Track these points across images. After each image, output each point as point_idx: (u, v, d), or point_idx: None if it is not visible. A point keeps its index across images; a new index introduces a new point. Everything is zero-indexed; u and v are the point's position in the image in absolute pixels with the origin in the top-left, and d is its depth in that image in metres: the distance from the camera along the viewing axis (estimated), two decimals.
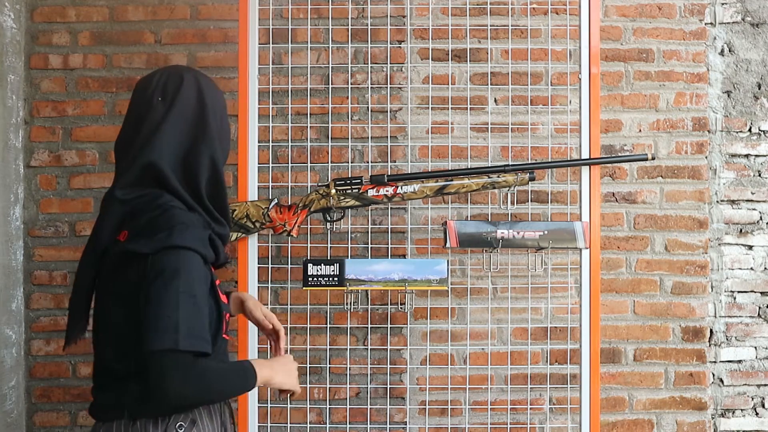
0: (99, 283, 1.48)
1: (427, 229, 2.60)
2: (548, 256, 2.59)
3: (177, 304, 1.33)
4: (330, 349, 2.62)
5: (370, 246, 2.60)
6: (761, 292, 2.74)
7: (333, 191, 2.19)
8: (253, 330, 2.19)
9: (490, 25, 2.64)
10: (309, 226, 2.51)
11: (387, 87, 2.67)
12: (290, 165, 2.56)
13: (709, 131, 2.74)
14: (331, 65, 2.65)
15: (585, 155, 2.21)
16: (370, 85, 2.67)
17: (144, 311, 1.34)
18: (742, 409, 2.74)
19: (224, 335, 1.51)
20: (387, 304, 2.64)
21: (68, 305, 1.54)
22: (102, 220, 1.47)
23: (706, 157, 2.73)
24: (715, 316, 2.73)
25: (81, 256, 1.49)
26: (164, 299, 1.34)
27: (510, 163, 2.31)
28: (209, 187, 1.50)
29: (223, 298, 1.53)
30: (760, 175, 2.76)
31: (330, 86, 2.64)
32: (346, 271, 2.20)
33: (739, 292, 2.74)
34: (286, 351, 1.71)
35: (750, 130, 2.76)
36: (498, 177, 2.22)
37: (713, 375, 2.73)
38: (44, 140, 2.69)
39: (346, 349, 2.61)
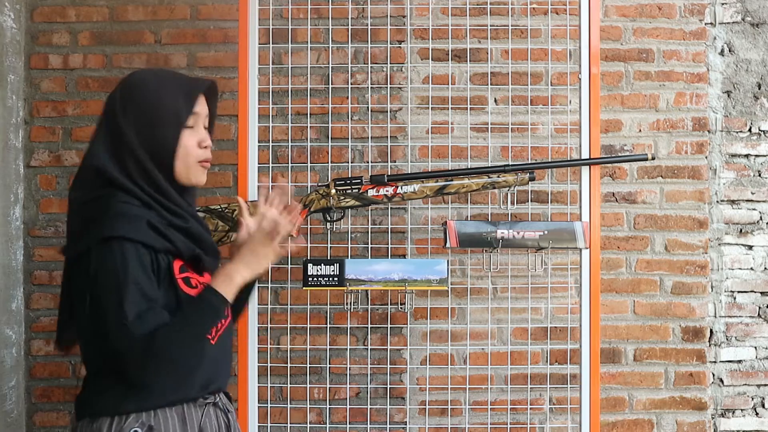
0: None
1: (427, 229, 2.59)
2: (548, 256, 2.59)
3: (121, 297, 1.33)
4: (330, 349, 2.62)
5: (370, 246, 2.60)
6: (761, 292, 2.74)
7: (333, 191, 2.19)
8: (253, 331, 2.19)
9: (490, 25, 2.64)
10: (309, 226, 2.51)
11: (387, 87, 2.67)
12: (290, 165, 2.56)
13: (709, 131, 2.74)
14: (331, 65, 2.65)
15: (585, 155, 2.21)
16: (370, 85, 2.67)
17: (96, 314, 1.36)
18: (742, 409, 2.74)
19: None
20: (387, 304, 2.64)
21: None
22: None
23: (706, 157, 2.73)
24: (715, 316, 2.73)
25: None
26: (109, 297, 1.34)
27: (510, 163, 2.31)
28: (149, 185, 1.45)
29: (190, 291, 1.45)
30: (760, 175, 2.76)
31: (330, 86, 2.64)
32: (346, 271, 2.20)
33: (739, 292, 2.74)
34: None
35: (750, 130, 2.76)
36: (498, 177, 2.22)
37: (713, 375, 2.73)
38: (44, 140, 2.69)
39: (346, 349, 2.61)
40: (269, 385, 2.50)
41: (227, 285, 1.44)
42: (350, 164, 2.64)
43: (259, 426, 2.25)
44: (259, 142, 2.26)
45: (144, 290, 1.36)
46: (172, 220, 1.46)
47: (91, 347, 1.43)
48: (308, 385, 2.57)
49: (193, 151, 1.49)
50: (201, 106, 1.52)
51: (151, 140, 1.46)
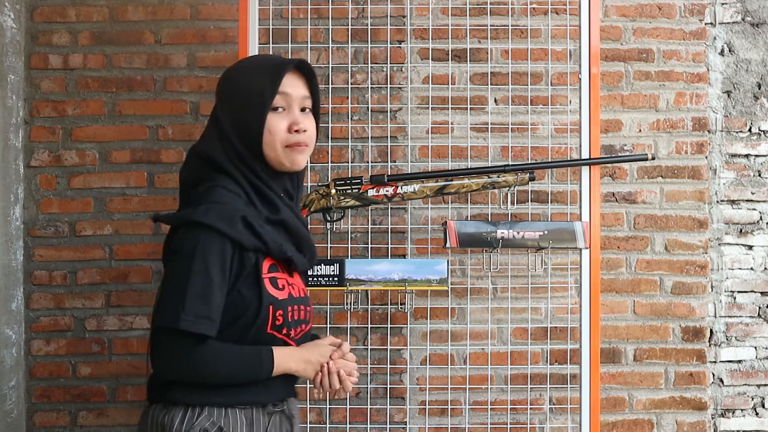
0: None
1: (427, 229, 2.60)
2: (548, 256, 2.59)
3: (187, 283, 1.34)
4: None
5: (370, 246, 2.60)
6: (761, 292, 2.74)
7: (333, 191, 2.19)
8: None
9: (490, 25, 2.64)
10: (309, 226, 2.51)
11: (387, 87, 2.67)
12: None
13: (709, 131, 2.74)
14: (331, 65, 2.65)
15: (585, 155, 2.21)
16: (370, 85, 2.67)
17: (161, 286, 1.39)
18: (742, 409, 2.74)
19: (270, 330, 1.44)
20: (387, 304, 2.64)
21: None
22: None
23: (706, 157, 2.73)
24: (715, 316, 2.73)
25: None
26: (176, 276, 1.36)
27: (510, 163, 2.31)
28: (246, 176, 1.46)
29: (277, 293, 1.44)
30: (760, 175, 2.76)
31: (330, 86, 2.64)
32: (346, 271, 2.20)
33: (739, 292, 2.74)
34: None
35: (750, 130, 2.76)
36: (498, 177, 2.22)
37: (713, 375, 2.73)
38: (44, 140, 2.69)
39: None
40: None
41: (283, 362, 1.44)
42: (350, 164, 2.64)
43: None
44: None
45: (212, 290, 1.36)
46: (269, 215, 1.46)
47: None
48: (308, 385, 2.57)
49: (278, 134, 1.47)
50: (292, 87, 1.49)
51: (240, 125, 1.46)
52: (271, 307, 1.43)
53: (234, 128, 1.46)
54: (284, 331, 1.46)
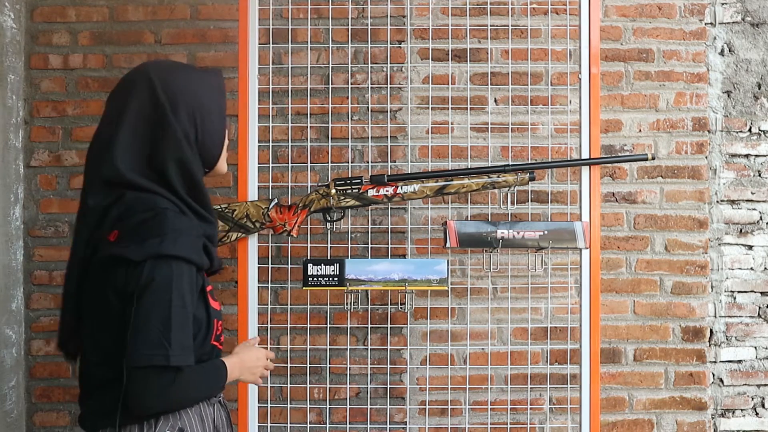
0: (87, 283, 1.41)
1: (427, 229, 2.59)
2: (548, 256, 2.59)
3: (169, 318, 1.31)
4: (330, 349, 2.61)
5: (370, 246, 2.60)
6: (761, 292, 2.74)
7: (333, 191, 2.19)
8: (253, 331, 2.19)
9: (490, 25, 2.64)
10: (309, 226, 2.51)
11: (387, 87, 2.67)
12: (290, 165, 2.56)
13: (709, 131, 2.74)
14: (331, 65, 2.65)
15: (585, 155, 2.21)
16: (370, 85, 2.67)
17: (134, 322, 1.30)
18: (742, 409, 2.74)
19: (213, 342, 1.46)
20: (387, 304, 2.64)
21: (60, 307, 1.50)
22: (77, 233, 1.43)
23: (706, 157, 2.73)
24: (715, 316, 2.73)
25: (68, 259, 1.44)
26: (155, 312, 1.31)
27: (510, 163, 2.31)
28: (186, 189, 1.43)
29: (215, 304, 1.48)
30: (760, 175, 2.76)
31: (330, 86, 2.64)
32: (346, 271, 2.20)
33: (739, 292, 2.74)
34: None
35: (750, 130, 2.76)
36: (498, 177, 2.22)
37: (713, 375, 2.73)
38: (44, 140, 2.69)
39: (346, 349, 2.61)
40: (269, 385, 2.51)
41: (232, 373, 1.51)
42: (350, 164, 2.64)
43: (259, 426, 2.24)
44: (259, 142, 2.26)
45: (188, 321, 1.35)
46: (205, 228, 1.45)
47: (113, 352, 1.35)
48: (308, 385, 2.57)
49: (225, 142, 1.54)
50: None
51: (202, 132, 1.45)
52: (215, 320, 1.47)
53: (190, 135, 1.43)
54: (221, 340, 1.51)
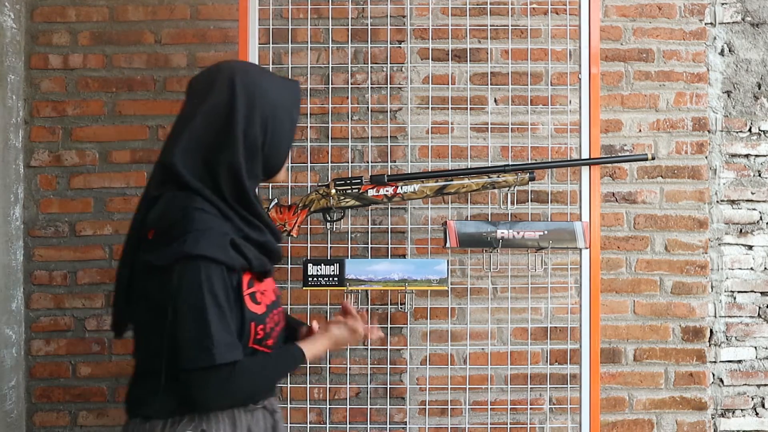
0: (134, 273, 1.44)
1: (427, 229, 2.59)
2: (548, 256, 2.59)
3: (205, 318, 1.32)
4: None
5: (370, 246, 2.60)
6: (761, 292, 2.74)
7: (333, 191, 2.19)
8: None
9: (490, 25, 2.64)
10: (309, 226, 2.51)
11: (387, 87, 2.67)
12: (290, 165, 2.55)
13: (709, 131, 2.74)
14: (331, 65, 2.65)
15: (585, 155, 2.21)
16: (370, 85, 2.67)
17: (175, 329, 1.33)
18: (742, 409, 2.74)
19: (253, 344, 1.44)
20: (387, 304, 2.64)
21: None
22: (133, 219, 1.46)
23: (706, 157, 2.73)
24: (715, 316, 2.73)
25: (124, 242, 1.47)
26: (191, 315, 1.32)
27: (510, 163, 2.31)
28: (234, 197, 1.41)
29: (255, 307, 1.44)
30: (760, 175, 2.76)
31: (330, 86, 2.64)
32: (346, 271, 2.20)
33: (739, 292, 2.74)
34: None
35: (750, 130, 2.76)
36: (498, 177, 2.22)
37: (713, 375, 2.73)
38: (44, 140, 2.69)
39: (346, 349, 2.61)
40: None
41: (310, 350, 1.53)
42: (350, 164, 2.64)
43: None
44: None
45: (226, 317, 1.35)
46: (249, 232, 1.43)
47: (155, 349, 1.37)
48: (308, 385, 2.57)
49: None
50: None
51: (270, 137, 1.45)
52: (252, 324, 1.44)
53: (258, 141, 1.43)
54: (264, 343, 1.48)
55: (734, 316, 2.74)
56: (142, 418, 1.41)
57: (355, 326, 1.62)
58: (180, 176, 1.39)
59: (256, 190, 1.54)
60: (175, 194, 1.39)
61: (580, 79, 2.22)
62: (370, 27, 2.64)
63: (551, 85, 2.67)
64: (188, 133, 1.41)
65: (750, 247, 2.75)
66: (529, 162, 2.59)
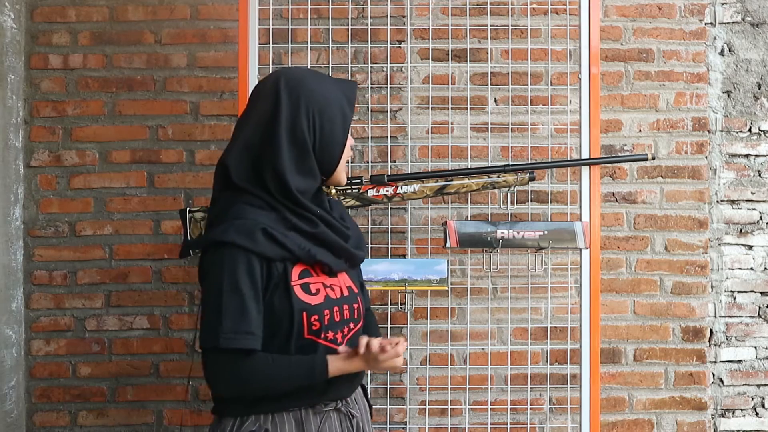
0: None
1: (427, 229, 2.60)
2: (548, 256, 2.59)
3: (220, 302, 1.37)
4: None
5: (370, 246, 2.60)
6: (761, 292, 2.74)
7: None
8: None
9: (490, 25, 2.64)
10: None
11: (387, 87, 2.67)
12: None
13: (709, 131, 2.74)
14: (331, 65, 2.65)
15: (585, 155, 2.21)
16: (370, 85, 2.67)
17: (200, 308, 1.43)
18: (742, 409, 2.74)
19: (309, 336, 1.44)
20: (387, 304, 2.64)
21: None
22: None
23: (706, 157, 2.73)
24: (715, 316, 2.73)
25: None
26: (209, 298, 1.40)
27: (510, 163, 2.31)
28: (281, 195, 1.45)
29: (308, 298, 1.44)
30: (760, 175, 2.76)
31: None
32: None
33: (739, 292, 2.74)
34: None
35: (750, 130, 2.76)
36: (498, 177, 2.22)
37: (713, 375, 2.73)
38: (44, 140, 2.69)
39: None
40: None
41: (339, 368, 1.45)
42: (350, 164, 2.64)
43: None
44: None
45: (246, 304, 1.38)
46: (297, 223, 1.45)
47: None
48: None
49: (347, 152, 1.55)
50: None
51: (321, 138, 1.47)
52: (304, 313, 1.44)
53: (308, 141, 1.46)
54: (323, 335, 1.46)
55: (734, 316, 2.74)
56: (218, 416, 1.48)
57: (398, 351, 1.46)
58: (229, 177, 1.46)
59: (317, 189, 1.54)
60: (228, 194, 1.48)
61: (580, 79, 2.22)
62: (370, 27, 2.64)
63: (551, 85, 2.67)
64: (241, 138, 1.48)
65: (750, 247, 2.75)
66: (529, 162, 2.59)
